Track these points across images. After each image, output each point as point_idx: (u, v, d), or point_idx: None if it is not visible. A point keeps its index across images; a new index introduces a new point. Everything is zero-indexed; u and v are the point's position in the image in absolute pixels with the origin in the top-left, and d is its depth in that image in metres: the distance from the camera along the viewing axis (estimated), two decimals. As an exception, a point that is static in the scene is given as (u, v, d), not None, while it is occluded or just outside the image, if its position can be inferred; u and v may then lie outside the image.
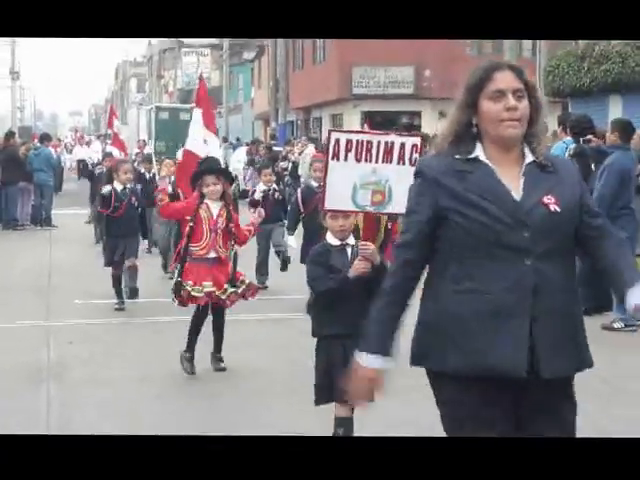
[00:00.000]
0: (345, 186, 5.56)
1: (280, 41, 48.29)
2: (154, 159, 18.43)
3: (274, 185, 15.07)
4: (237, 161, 30.64)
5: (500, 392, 3.64)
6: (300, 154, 26.85)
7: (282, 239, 14.95)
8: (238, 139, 44.54)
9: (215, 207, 9.37)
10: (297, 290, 12.96)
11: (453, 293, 3.60)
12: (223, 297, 9.41)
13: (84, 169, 27.28)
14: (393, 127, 27.85)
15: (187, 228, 9.45)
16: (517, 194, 3.58)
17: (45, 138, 31.80)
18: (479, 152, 3.62)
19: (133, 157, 24.13)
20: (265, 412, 9.02)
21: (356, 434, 6.56)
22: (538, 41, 28.90)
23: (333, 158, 5.57)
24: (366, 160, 5.53)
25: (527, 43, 32.53)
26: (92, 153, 31.58)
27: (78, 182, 32.28)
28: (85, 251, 17.66)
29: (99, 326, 12.56)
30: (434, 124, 30.84)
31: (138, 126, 46.99)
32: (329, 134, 5.77)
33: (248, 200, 15.95)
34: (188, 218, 9.44)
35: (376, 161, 5.52)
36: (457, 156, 3.64)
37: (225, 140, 35.52)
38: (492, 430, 3.57)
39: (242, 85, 57.17)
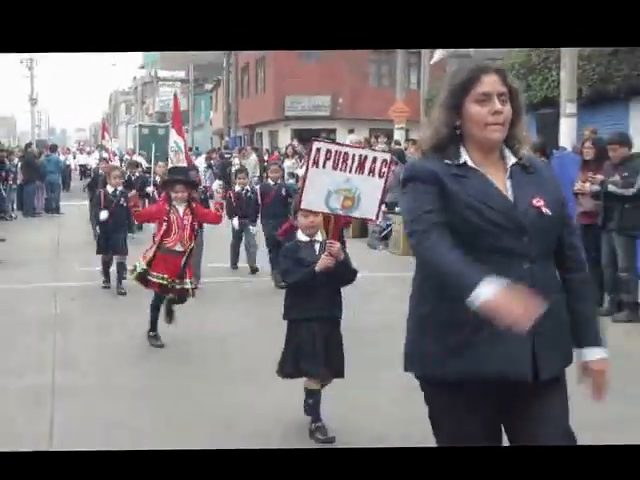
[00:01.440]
0: (320, 190, 5.09)
1: (232, 75, 48.11)
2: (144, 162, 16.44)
3: (247, 187, 14.16)
4: (199, 165, 30.50)
5: (487, 398, 3.05)
6: (245, 159, 26.79)
7: (254, 243, 13.96)
8: (197, 148, 44.66)
9: (181, 208, 8.67)
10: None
11: (450, 298, 2.89)
12: (177, 287, 8.61)
13: (84, 171, 27.60)
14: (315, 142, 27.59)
15: (163, 226, 8.60)
16: (509, 197, 2.99)
17: (53, 148, 31.54)
18: (466, 157, 3.00)
19: (125, 158, 24.04)
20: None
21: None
22: (422, 75, 28.61)
23: (313, 165, 5.10)
24: (342, 169, 5.06)
25: (413, 77, 31.73)
26: (91, 160, 31.57)
27: (80, 181, 32.31)
28: (85, 232, 17.14)
29: (96, 287, 12.16)
30: (345, 138, 30.64)
31: (126, 139, 47.40)
32: (311, 143, 5.29)
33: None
34: (160, 219, 8.77)
35: (350, 171, 5.05)
36: (446, 161, 2.99)
37: (190, 149, 35.25)
38: (476, 437, 3.03)
39: (203, 109, 57.34)
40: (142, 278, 8.53)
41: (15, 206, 24.19)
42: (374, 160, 5.10)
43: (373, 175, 5.11)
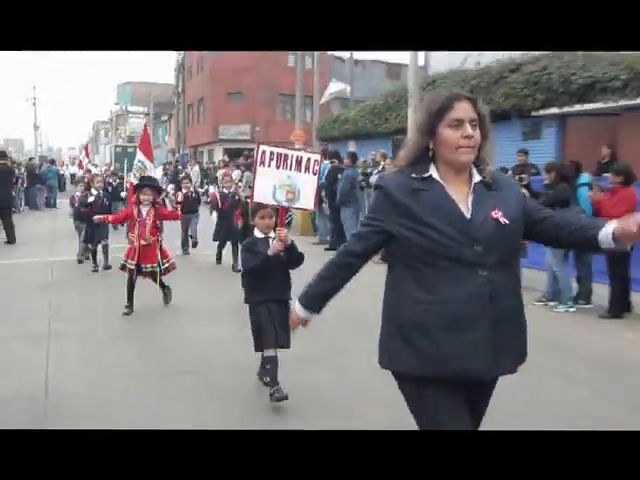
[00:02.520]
0: (268, 186, 4.71)
1: (181, 111, 47.48)
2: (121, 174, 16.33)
3: (191, 189, 13.68)
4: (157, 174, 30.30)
5: (455, 389, 2.56)
6: (191, 169, 26.52)
7: (196, 228, 13.35)
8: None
9: (144, 209, 8.12)
10: (207, 255, 12.21)
11: (415, 303, 2.52)
12: (146, 271, 8.19)
13: (73, 178, 27.04)
14: (238, 158, 27.17)
15: (136, 230, 8.17)
16: (467, 211, 2.55)
17: (52, 162, 31.84)
18: (433, 172, 2.59)
19: (104, 170, 23.45)
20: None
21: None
22: (313, 111, 28.40)
23: (260, 164, 4.70)
24: (284, 168, 4.72)
25: (308, 113, 31.60)
26: (78, 170, 31.14)
27: (71, 185, 31.66)
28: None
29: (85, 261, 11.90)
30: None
31: (105, 155, 46.70)
32: (258, 146, 4.86)
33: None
34: (130, 220, 8.45)
35: (290, 169, 4.73)
36: (413, 175, 2.59)
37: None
38: (452, 421, 2.54)
39: (161, 134, 56.74)
40: (122, 266, 8.21)
41: (23, 203, 23.74)
42: (308, 160, 4.82)
43: (308, 172, 4.81)
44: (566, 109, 13.81)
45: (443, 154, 2.58)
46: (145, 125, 13.91)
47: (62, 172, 31.02)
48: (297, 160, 4.80)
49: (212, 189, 13.64)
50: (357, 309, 7.23)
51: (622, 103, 12.37)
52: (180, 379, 5.79)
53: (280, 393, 4.91)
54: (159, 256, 8.30)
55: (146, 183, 8.46)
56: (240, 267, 9.93)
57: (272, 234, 5.03)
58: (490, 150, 2.67)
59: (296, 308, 2.88)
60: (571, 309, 8.39)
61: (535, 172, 10.52)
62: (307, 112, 31.04)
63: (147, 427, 4.71)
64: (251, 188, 4.99)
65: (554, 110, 14.05)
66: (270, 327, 4.97)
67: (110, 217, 9.60)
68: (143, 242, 8.09)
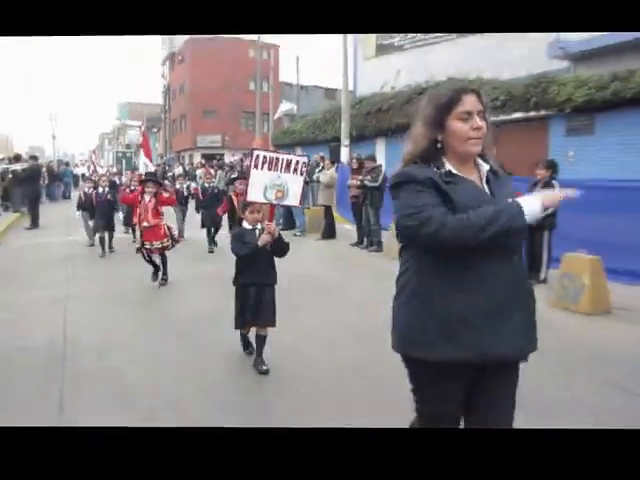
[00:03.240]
0: (260, 186, 4.27)
1: (167, 124, 46.50)
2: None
3: (184, 185, 12.79)
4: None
5: (465, 374, 2.07)
6: (176, 170, 26.03)
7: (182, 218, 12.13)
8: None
9: (147, 197, 7.69)
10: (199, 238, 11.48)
11: (451, 291, 1.97)
12: (153, 247, 7.55)
13: (83, 177, 26.32)
14: (212, 160, 26.66)
15: (137, 211, 7.81)
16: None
17: (67, 164, 30.84)
18: (449, 167, 2.07)
19: (106, 171, 22.69)
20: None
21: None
22: (270, 125, 28.16)
23: (255, 167, 4.26)
24: (275, 170, 4.27)
25: (265, 126, 31.30)
26: (86, 170, 30.44)
27: (82, 182, 30.87)
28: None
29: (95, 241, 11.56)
30: (231, 157, 30.06)
31: (108, 159, 45.41)
32: (252, 152, 4.47)
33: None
34: (136, 203, 7.90)
35: (280, 170, 4.28)
36: (435, 170, 2.05)
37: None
38: (450, 406, 2.11)
39: (152, 141, 55.09)
40: (138, 250, 7.71)
41: (44, 196, 23.07)
42: (297, 162, 4.37)
43: (296, 173, 4.36)
44: (459, 122, 14.04)
45: (453, 146, 2.10)
46: (143, 131, 13.46)
47: (75, 172, 30.05)
48: (287, 162, 4.38)
49: (194, 184, 13.16)
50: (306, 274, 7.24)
51: (501, 118, 12.62)
52: (171, 327, 5.73)
53: (263, 367, 4.46)
54: (167, 232, 7.80)
55: (150, 178, 8.21)
56: (213, 249, 9.83)
57: (259, 225, 4.55)
58: (489, 139, 2.17)
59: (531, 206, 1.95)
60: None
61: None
62: (265, 125, 30.82)
63: (144, 363, 4.73)
64: (246, 188, 4.42)
65: (450, 123, 14.26)
66: (249, 309, 4.49)
67: (121, 196, 9.61)
68: (146, 224, 7.61)
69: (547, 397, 3.92)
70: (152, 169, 9.29)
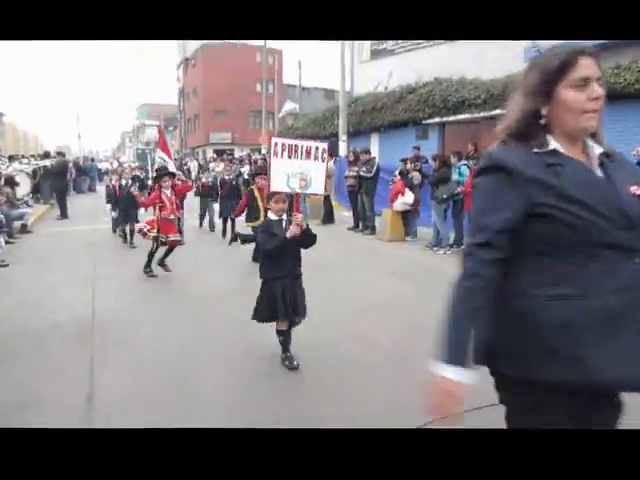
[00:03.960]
0: (282, 175, 3.75)
1: (183, 122, 46.25)
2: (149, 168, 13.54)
3: (210, 178, 11.52)
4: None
5: (579, 405, 1.44)
6: (191, 164, 25.92)
7: (213, 211, 11.21)
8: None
9: (168, 191, 7.13)
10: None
11: (549, 299, 1.37)
12: (168, 240, 6.94)
13: (107, 172, 26.17)
14: (222, 155, 26.48)
15: (157, 206, 7.00)
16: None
17: (92, 160, 30.98)
18: (555, 144, 1.44)
19: (131, 165, 22.41)
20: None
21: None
22: (275, 122, 27.95)
23: (274, 156, 3.72)
24: (295, 158, 3.76)
25: (271, 123, 31.13)
26: (108, 165, 30.26)
27: (106, 177, 30.84)
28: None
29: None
30: (240, 152, 29.95)
31: (129, 156, 45.02)
32: (270, 139, 3.92)
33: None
34: (157, 201, 7.04)
35: (301, 158, 3.76)
36: (535, 150, 1.42)
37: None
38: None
39: (169, 139, 54.88)
40: (155, 239, 6.96)
41: (72, 189, 23.03)
42: (316, 149, 3.85)
43: (317, 160, 3.84)
44: (445, 119, 13.97)
45: (563, 120, 1.46)
46: (160, 129, 11.36)
47: (100, 167, 29.92)
48: (306, 150, 3.83)
49: (204, 178, 12.56)
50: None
51: (482, 114, 12.56)
52: (192, 303, 5.78)
53: (291, 362, 3.96)
54: (178, 229, 7.34)
55: (164, 173, 7.46)
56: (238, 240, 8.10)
57: (284, 215, 4.01)
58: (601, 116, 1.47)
59: (443, 373, 1.41)
60: (448, 251, 8.52)
61: (425, 161, 10.59)
62: (270, 123, 30.68)
63: (163, 334, 4.77)
64: (268, 178, 3.88)
65: (437, 119, 14.19)
66: (282, 303, 3.89)
67: (141, 199, 8.52)
68: (172, 216, 7.03)
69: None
70: (171, 164, 8.43)
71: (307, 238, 3.93)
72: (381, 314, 5.22)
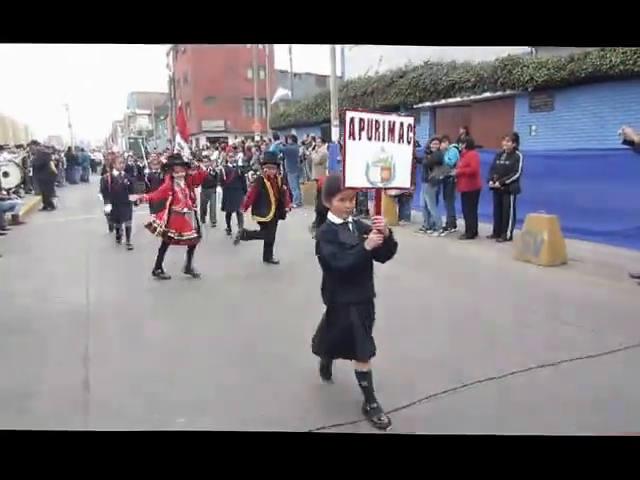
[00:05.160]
0: (360, 164, 2.73)
1: (174, 111, 45.88)
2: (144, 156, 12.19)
3: (211, 167, 9.97)
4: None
5: None
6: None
7: (215, 201, 10.18)
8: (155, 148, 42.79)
9: (181, 182, 6.15)
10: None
11: None
12: (182, 239, 6.12)
13: (99, 164, 26.02)
14: (217, 143, 26.23)
15: (169, 198, 6.09)
16: None
17: (82, 149, 30.37)
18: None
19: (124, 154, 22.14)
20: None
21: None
22: (267, 109, 27.80)
23: (350, 137, 2.67)
24: (376, 139, 2.72)
25: (263, 110, 30.95)
26: (100, 155, 30.01)
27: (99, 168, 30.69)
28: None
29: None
30: (233, 139, 29.86)
31: (122, 144, 44.53)
32: (344, 113, 2.75)
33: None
34: (170, 193, 6.09)
35: (383, 139, 2.72)
36: None
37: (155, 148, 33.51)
38: None
39: (160, 128, 54.38)
40: (163, 234, 6.11)
41: (64, 179, 22.89)
42: (401, 125, 2.79)
43: (402, 141, 2.79)
44: (436, 103, 13.96)
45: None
46: (180, 107, 8.97)
47: (92, 157, 29.70)
48: (389, 127, 2.77)
49: (202, 166, 11.81)
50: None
51: (472, 98, 12.57)
52: (185, 287, 5.82)
53: (380, 417, 2.91)
54: (195, 225, 6.39)
55: (177, 162, 6.41)
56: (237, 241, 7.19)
57: (350, 218, 2.98)
58: None
59: None
60: (442, 234, 8.54)
61: (417, 144, 10.61)
62: (262, 110, 30.52)
63: (159, 318, 4.82)
64: (342, 168, 2.70)
65: (428, 103, 14.17)
66: (364, 336, 2.93)
67: (146, 196, 6.77)
68: (185, 210, 6.19)
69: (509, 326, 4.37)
70: (187, 151, 7.49)
71: (388, 247, 2.86)
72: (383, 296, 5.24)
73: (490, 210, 7.97)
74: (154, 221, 6.15)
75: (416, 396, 3.18)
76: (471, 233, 8.20)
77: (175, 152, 7.26)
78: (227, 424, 2.97)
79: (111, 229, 9.20)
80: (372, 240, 2.73)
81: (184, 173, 6.30)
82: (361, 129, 2.69)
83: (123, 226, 8.38)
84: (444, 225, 8.79)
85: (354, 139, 2.68)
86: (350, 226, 2.94)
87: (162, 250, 6.27)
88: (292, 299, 5.25)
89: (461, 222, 8.52)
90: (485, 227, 8.12)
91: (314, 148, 12.87)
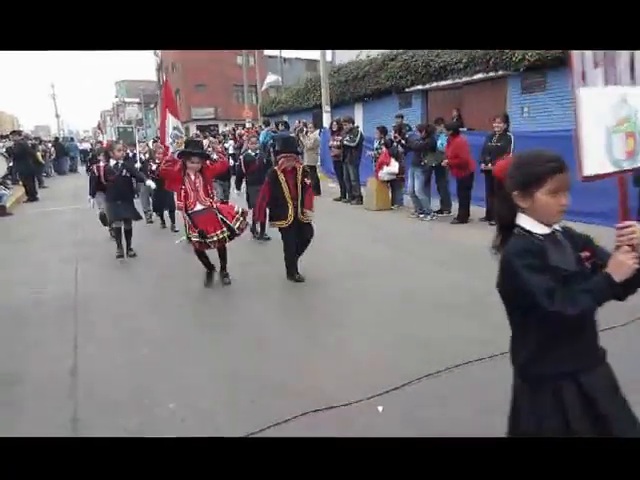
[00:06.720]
0: (599, 135, 1.42)
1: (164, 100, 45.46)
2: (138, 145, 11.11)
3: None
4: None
5: None
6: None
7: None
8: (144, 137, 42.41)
9: (192, 174, 5.16)
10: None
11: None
12: (211, 241, 5.18)
13: (86, 152, 25.68)
14: (206, 132, 26.00)
15: (182, 193, 5.23)
16: None
17: (71, 139, 30.35)
18: None
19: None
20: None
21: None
22: (258, 96, 27.57)
23: (580, 81, 1.41)
24: (614, 82, 1.40)
25: (253, 97, 30.70)
26: (88, 145, 29.83)
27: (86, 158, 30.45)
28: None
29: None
30: (223, 127, 29.68)
31: (111, 134, 44.24)
32: (570, 58, 1.43)
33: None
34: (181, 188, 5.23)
35: (622, 81, 1.39)
36: None
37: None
38: None
39: (150, 117, 53.95)
40: (189, 239, 5.43)
41: (53, 169, 22.69)
42: None
43: None
44: (427, 86, 13.86)
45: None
46: (165, 82, 7.02)
47: (81, 147, 29.40)
48: (629, 59, 1.54)
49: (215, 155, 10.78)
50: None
51: (464, 80, 12.48)
52: (171, 280, 5.79)
53: None
54: (222, 219, 5.26)
55: (196, 152, 5.37)
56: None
57: (557, 226, 1.64)
58: None
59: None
60: (434, 217, 8.52)
61: (408, 129, 10.53)
62: (253, 96, 30.32)
63: (147, 309, 4.78)
64: (577, 147, 1.50)
65: (419, 87, 14.07)
66: (586, 421, 1.52)
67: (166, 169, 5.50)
68: (200, 206, 5.25)
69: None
70: (181, 131, 6.42)
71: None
72: (365, 277, 5.27)
73: (484, 193, 7.92)
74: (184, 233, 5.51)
75: (414, 375, 3.18)
76: (464, 217, 8.19)
77: (191, 139, 6.02)
78: (219, 410, 2.95)
79: (120, 247, 6.82)
80: (624, 265, 1.49)
81: (199, 166, 5.28)
82: (595, 65, 1.52)
83: (123, 227, 6.76)
84: (438, 208, 8.74)
85: (584, 82, 1.51)
86: (560, 237, 1.63)
87: (198, 256, 5.43)
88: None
89: (456, 205, 8.48)
90: (479, 210, 8.09)
91: (306, 133, 12.77)
